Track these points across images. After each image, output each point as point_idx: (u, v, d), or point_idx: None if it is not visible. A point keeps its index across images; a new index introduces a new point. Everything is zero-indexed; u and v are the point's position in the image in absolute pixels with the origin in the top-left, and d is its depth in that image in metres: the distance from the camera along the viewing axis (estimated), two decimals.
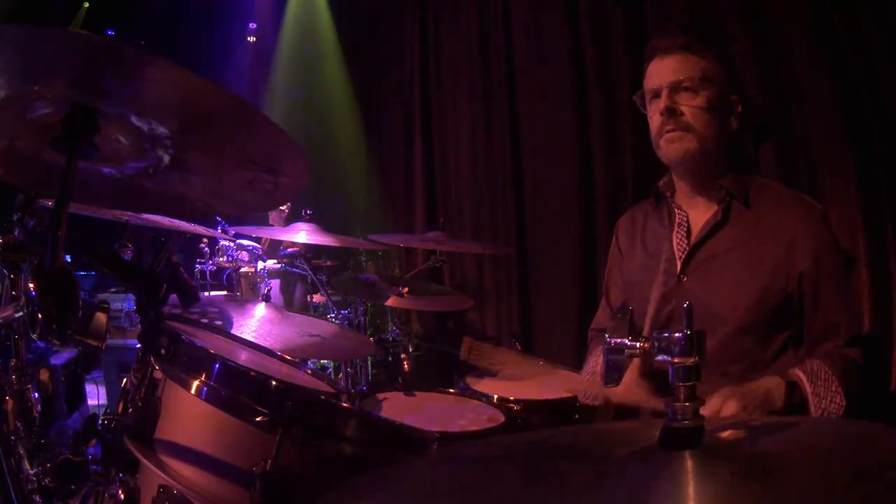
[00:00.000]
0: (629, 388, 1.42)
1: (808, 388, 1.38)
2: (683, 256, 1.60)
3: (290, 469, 1.19)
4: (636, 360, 1.42)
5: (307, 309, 4.39)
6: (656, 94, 1.59)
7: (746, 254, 1.53)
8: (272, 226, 4.08)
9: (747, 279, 1.51)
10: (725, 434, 0.78)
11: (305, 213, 3.05)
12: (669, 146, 1.56)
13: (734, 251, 1.54)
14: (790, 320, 1.51)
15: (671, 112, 1.54)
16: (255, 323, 2.10)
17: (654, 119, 1.59)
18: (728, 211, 1.58)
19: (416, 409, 2.18)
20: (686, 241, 1.61)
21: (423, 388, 2.34)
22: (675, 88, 1.56)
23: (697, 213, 1.63)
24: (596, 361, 1.69)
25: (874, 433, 0.78)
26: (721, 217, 1.57)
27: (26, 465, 1.30)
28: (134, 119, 1.07)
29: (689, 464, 0.67)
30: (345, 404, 1.51)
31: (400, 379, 2.39)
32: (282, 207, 4.16)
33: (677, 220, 1.65)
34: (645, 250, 1.71)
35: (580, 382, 1.76)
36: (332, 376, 2.95)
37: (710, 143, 1.55)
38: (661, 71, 1.59)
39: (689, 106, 1.54)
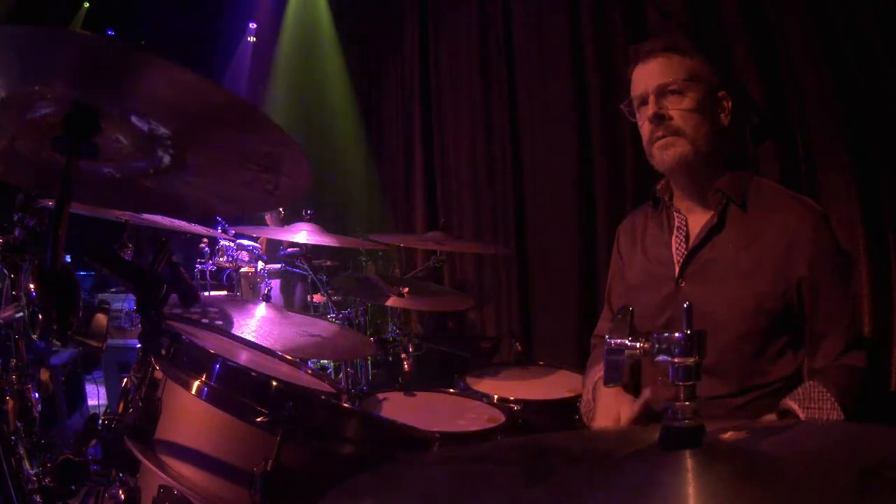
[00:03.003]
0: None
1: (801, 416, 1.38)
2: (681, 261, 1.59)
3: (291, 469, 1.19)
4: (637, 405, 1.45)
5: (307, 309, 4.40)
6: (643, 101, 1.57)
7: (744, 258, 1.51)
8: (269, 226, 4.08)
9: (746, 284, 1.50)
10: (726, 434, 0.78)
11: (306, 213, 3.05)
12: (662, 153, 1.54)
13: (732, 256, 1.53)
14: (790, 324, 1.50)
15: (660, 118, 1.53)
16: (256, 323, 2.10)
17: (644, 127, 1.58)
18: (724, 215, 1.56)
19: (416, 409, 2.18)
20: (684, 246, 1.60)
21: (423, 388, 2.34)
22: (662, 92, 1.54)
23: (695, 216, 1.62)
24: (596, 374, 1.68)
25: (874, 433, 0.78)
26: (717, 221, 1.56)
27: (26, 465, 1.30)
28: (134, 119, 1.07)
29: (690, 464, 0.67)
30: (345, 404, 1.51)
31: (400, 379, 2.39)
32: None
33: (676, 223, 1.64)
34: (645, 255, 1.70)
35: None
36: (332, 376, 2.95)
37: (703, 145, 1.54)
38: (646, 76, 1.57)
39: (678, 109, 1.52)
